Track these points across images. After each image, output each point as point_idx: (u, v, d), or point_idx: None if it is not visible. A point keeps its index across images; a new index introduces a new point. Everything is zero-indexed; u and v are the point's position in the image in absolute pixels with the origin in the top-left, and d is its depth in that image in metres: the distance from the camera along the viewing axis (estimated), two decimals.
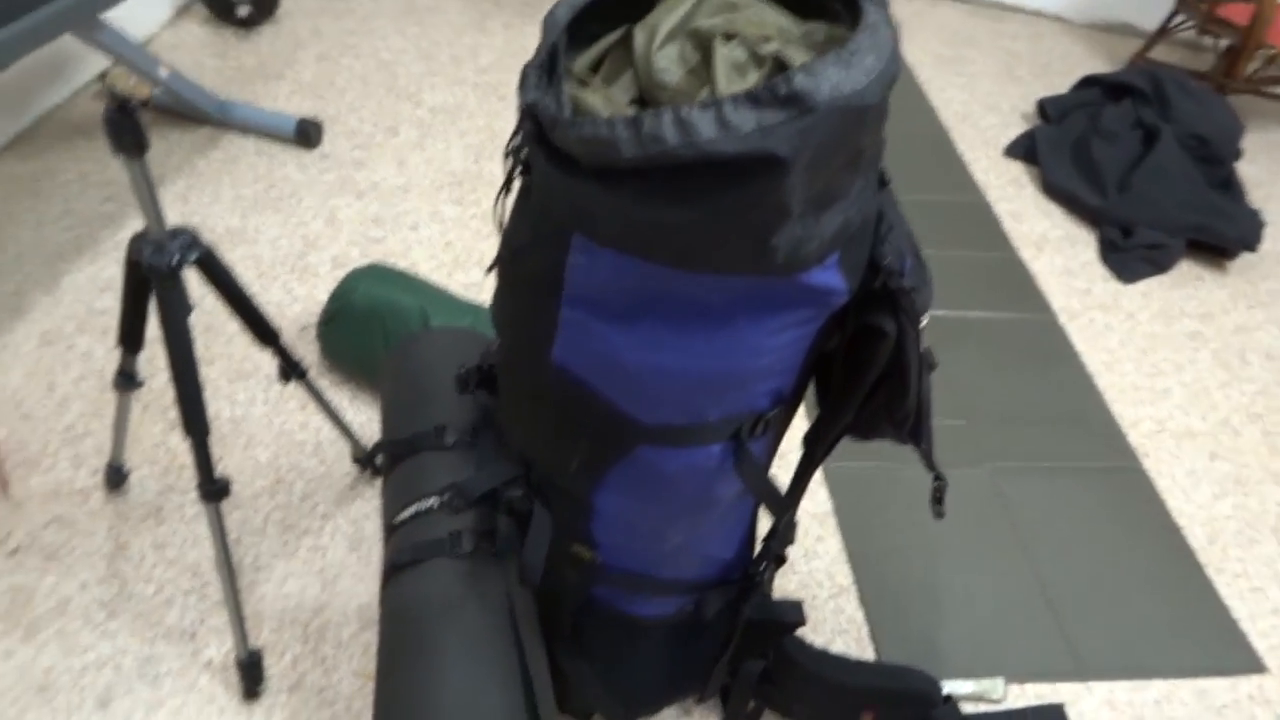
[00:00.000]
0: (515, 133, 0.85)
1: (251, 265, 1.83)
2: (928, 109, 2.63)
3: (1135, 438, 1.79)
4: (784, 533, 1.07)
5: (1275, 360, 1.99)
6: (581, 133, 0.76)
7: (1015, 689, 1.38)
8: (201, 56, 2.33)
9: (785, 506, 1.02)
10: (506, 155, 0.86)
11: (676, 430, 0.92)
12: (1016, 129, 2.55)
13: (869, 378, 0.93)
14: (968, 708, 1.34)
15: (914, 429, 1.00)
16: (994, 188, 2.35)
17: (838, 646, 1.40)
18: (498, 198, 0.92)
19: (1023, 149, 2.46)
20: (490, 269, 0.96)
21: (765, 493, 0.99)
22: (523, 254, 0.88)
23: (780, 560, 1.14)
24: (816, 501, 1.59)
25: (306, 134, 2.08)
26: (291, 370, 1.27)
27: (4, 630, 1.24)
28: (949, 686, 1.35)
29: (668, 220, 0.75)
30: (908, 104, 2.64)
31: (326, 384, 1.64)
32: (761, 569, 1.10)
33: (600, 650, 1.13)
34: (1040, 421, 1.78)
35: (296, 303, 1.77)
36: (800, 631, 1.40)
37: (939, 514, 1.04)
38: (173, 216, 1.90)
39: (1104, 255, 2.18)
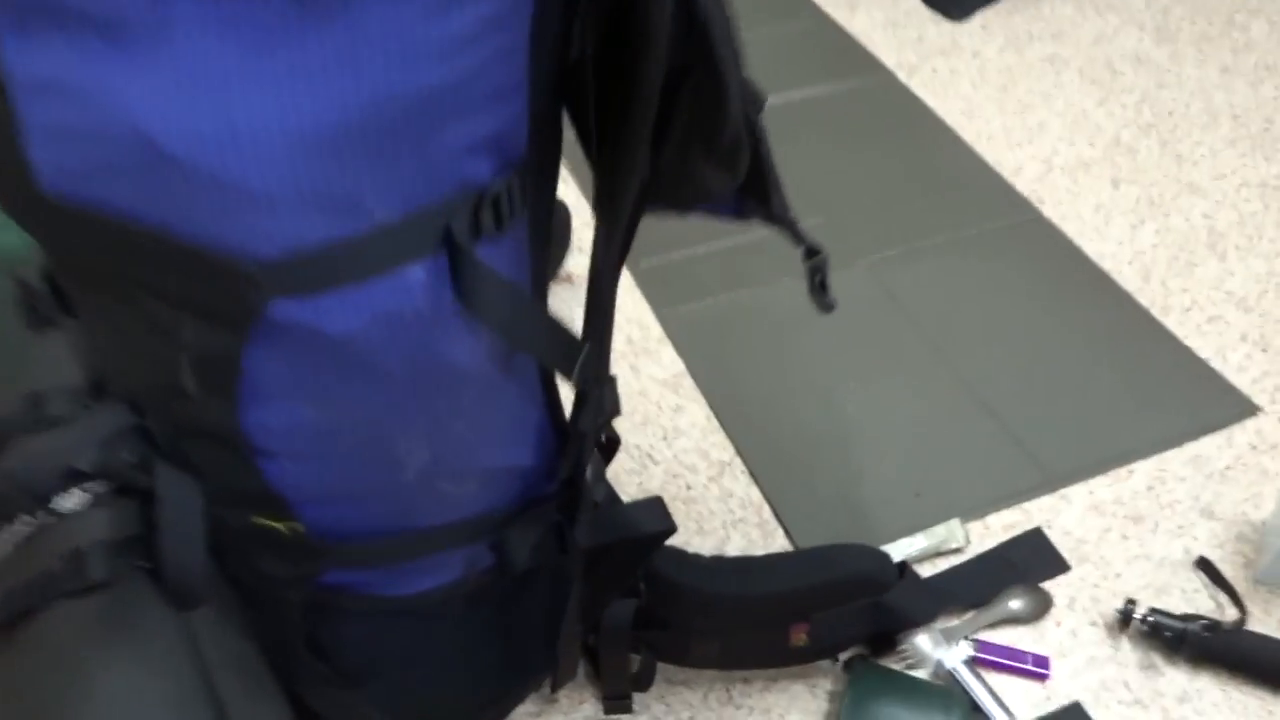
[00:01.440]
0: None
1: None
2: None
3: (1024, 185, 1.44)
4: (595, 397, 0.65)
5: (1146, 63, 1.68)
6: None
7: (977, 528, 1.03)
8: None
9: (576, 348, 0.60)
10: None
11: (324, 253, 0.49)
12: None
13: (648, 71, 0.51)
14: (927, 570, 0.98)
15: (753, 170, 0.60)
16: None
17: (737, 543, 1.01)
18: None
19: None
20: None
21: (527, 331, 0.57)
22: None
23: (609, 445, 0.73)
24: (662, 365, 1.19)
25: None
26: None
27: None
28: (896, 551, 0.98)
29: None
30: None
31: None
32: (576, 467, 0.68)
33: (367, 664, 0.70)
34: (910, 196, 1.41)
35: None
36: (681, 538, 1.00)
37: (825, 305, 0.65)
38: None
39: (927, 2, 1.82)
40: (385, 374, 0.54)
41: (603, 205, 0.60)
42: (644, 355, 1.20)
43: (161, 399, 0.58)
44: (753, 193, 0.63)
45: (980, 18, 1.78)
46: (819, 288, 0.65)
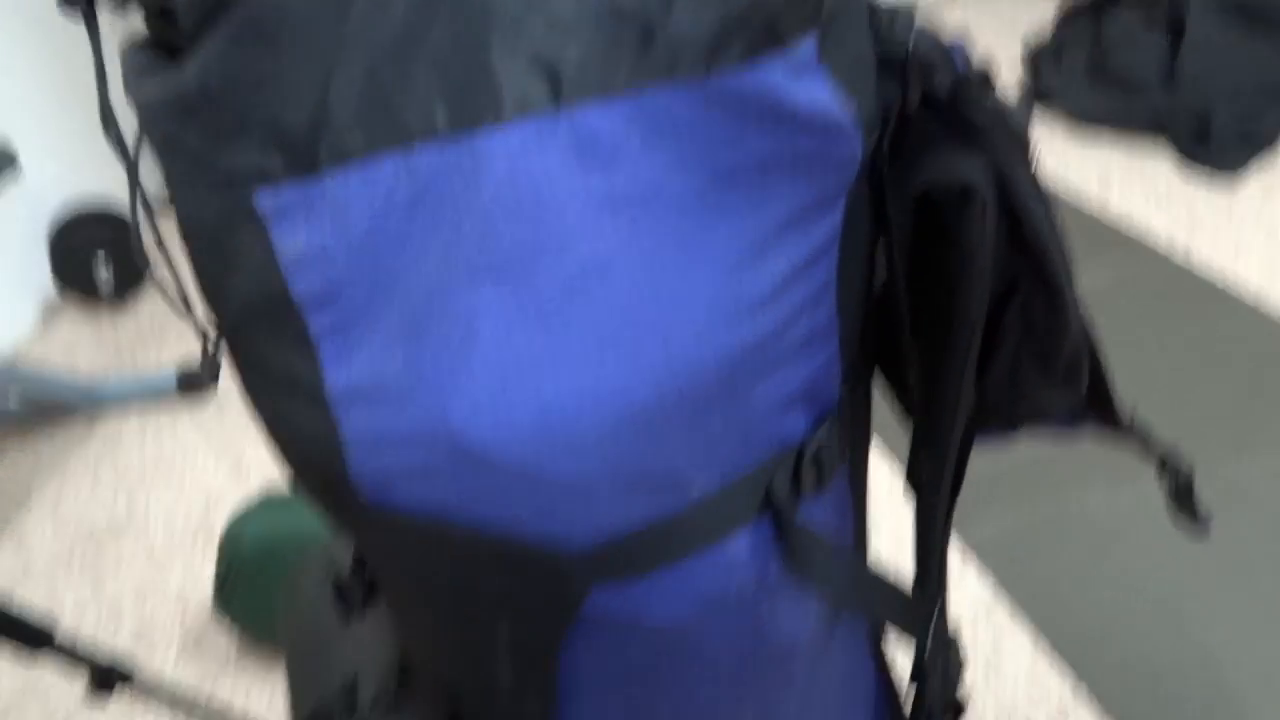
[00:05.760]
0: None
1: (142, 555, 1.39)
2: None
3: None
4: (944, 659, 0.56)
5: None
6: None
7: None
8: (75, 350, 1.99)
9: (921, 608, 0.52)
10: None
11: (641, 537, 0.44)
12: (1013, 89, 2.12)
13: (970, 295, 0.45)
14: None
15: (1093, 375, 0.53)
16: None
17: None
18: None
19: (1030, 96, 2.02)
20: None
21: (861, 593, 0.50)
22: (209, 270, 0.43)
23: (955, 712, 0.63)
24: (967, 590, 1.07)
25: (193, 381, 1.69)
26: (102, 682, 0.80)
27: None
28: None
29: None
30: None
31: (252, 673, 1.16)
32: None
33: None
34: (1222, 380, 1.26)
35: (201, 582, 1.32)
36: None
37: (1197, 529, 0.55)
38: (43, 532, 1.48)
39: (1187, 161, 1.70)
40: (710, 658, 0.48)
41: (923, 445, 0.53)
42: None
43: (476, 695, 0.54)
44: (1093, 404, 0.55)
45: (1256, 170, 1.64)
46: (1184, 507, 0.55)
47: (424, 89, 0.34)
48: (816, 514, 0.48)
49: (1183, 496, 0.55)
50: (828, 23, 0.40)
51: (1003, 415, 0.53)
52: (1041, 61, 2.07)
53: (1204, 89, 1.70)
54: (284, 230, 0.37)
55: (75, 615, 1.30)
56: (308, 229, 0.37)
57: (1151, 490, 1.14)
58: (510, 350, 0.39)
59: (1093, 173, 1.75)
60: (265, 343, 0.42)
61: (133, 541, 1.41)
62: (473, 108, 0.34)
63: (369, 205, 0.36)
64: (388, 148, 0.35)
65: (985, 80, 0.42)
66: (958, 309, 0.46)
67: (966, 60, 0.43)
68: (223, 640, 1.21)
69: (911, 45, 0.42)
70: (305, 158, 0.35)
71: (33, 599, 1.35)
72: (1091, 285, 1.47)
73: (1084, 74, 1.95)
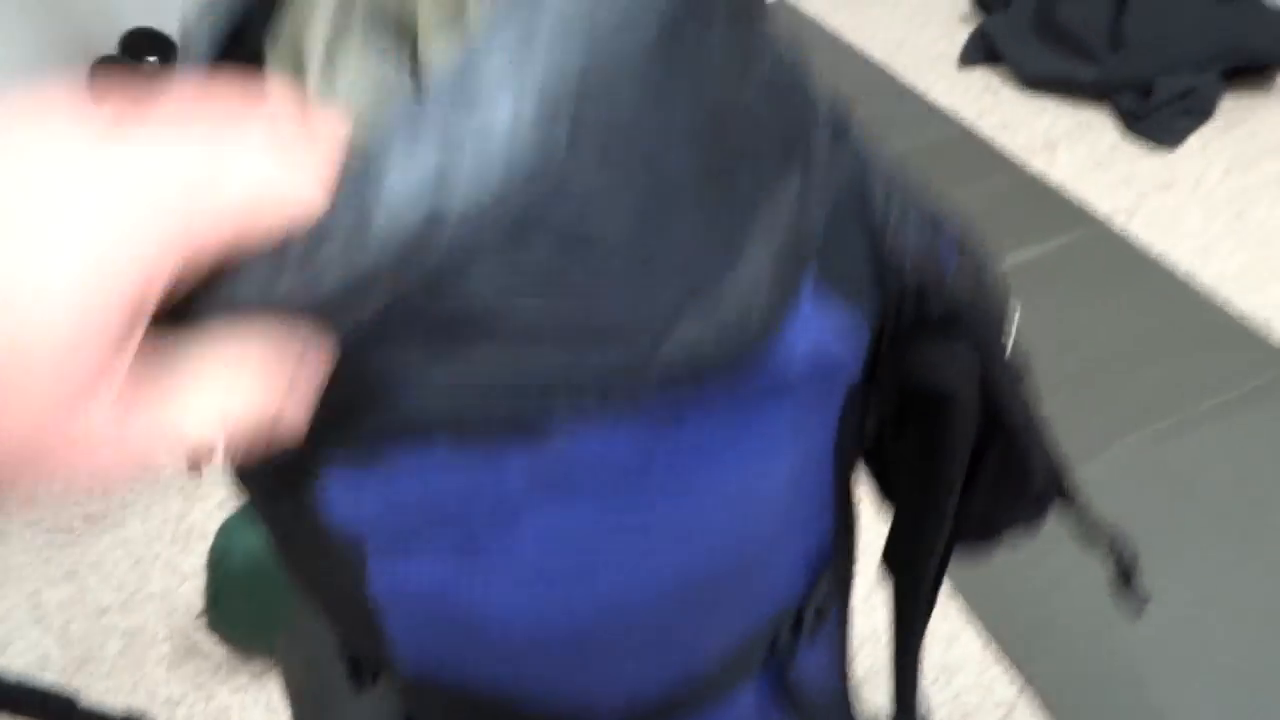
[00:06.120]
0: None
1: (123, 556, 1.42)
2: (850, 54, 2.22)
3: None
4: None
5: None
6: None
7: None
8: None
9: None
10: None
11: (661, 698, 0.50)
12: (962, 34, 2.13)
13: (949, 470, 0.50)
14: None
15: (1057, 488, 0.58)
16: (965, 106, 1.93)
17: None
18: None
19: (980, 51, 2.04)
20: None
21: None
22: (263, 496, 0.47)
23: None
24: None
25: None
26: None
27: None
28: None
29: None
30: (825, 58, 2.23)
31: (245, 679, 1.21)
32: None
33: None
34: (1158, 356, 1.33)
35: (185, 581, 1.36)
36: None
37: (1134, 609, 0.61)
38: (16, 528, 1.49)
39: (1130, 127, 1.74)
40: None
41: (903, 548, 0.58)
42: None
43: None
44: (1060, 497, 0.60)
45: (1195, 140, 1.69)
46: (1126, 588, 0.61)
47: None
48: (811, 656, 0.53)
49: (1125, 578, 0.61)
50: (825, 249, 0.43)
51: (977, 534, 0.58)
52: (988, 2, 2.09)
53: (1146, 58, 1.74)
54: (329, 488, 0.40)
55: (60, 621, 1.33)
56: (357, 496, 0.40)
57: (1087, 480, 1.20)
58: (551, 564, 0.43)
59: (1039, 136, 1.79)
60: (302, 544, 0.46)
61: (110, 539, 1.43)
62: (520, 413, 0.37)
63: (418, 479, 0.39)
64: (441, 435, 0.37)
65: (974, 287, 0.46)
66: (939, 470, 0.50)
67: (956, 260, 0.46)
68: (212, 646, 1.25)
69: (908, 264, 0.45)
70: (353, 450, 0.38)
71: (15, 602, 1.37)
72: (1029, 255, 1.52)
73: (1031, 30, 1.97)
